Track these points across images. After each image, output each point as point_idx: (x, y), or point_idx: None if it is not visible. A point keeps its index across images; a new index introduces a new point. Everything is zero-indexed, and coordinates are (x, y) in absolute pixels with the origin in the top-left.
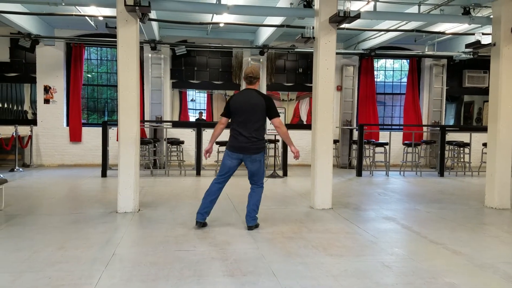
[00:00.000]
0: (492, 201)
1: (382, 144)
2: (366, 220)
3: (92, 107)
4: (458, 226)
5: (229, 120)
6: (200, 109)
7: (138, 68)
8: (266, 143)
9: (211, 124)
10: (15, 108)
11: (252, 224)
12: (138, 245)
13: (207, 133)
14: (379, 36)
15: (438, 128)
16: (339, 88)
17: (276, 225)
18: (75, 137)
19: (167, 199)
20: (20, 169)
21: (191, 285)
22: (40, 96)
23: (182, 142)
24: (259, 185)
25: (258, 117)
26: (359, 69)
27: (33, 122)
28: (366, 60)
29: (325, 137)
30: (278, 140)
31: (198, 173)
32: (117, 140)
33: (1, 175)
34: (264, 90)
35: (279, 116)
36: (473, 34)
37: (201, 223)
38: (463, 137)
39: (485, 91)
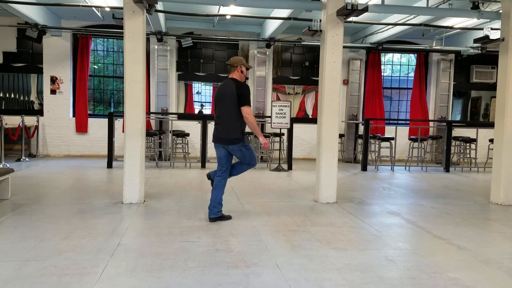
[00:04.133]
0: (498, 197)
1: (388, 139)
2: (371, 215)
3: (98, 98)
4: (463, 222)
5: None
6: (201, 102)
7: (144, 60)
8: (243, 135)
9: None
10: (21, 98)
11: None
12: (143, 235)
13: (211, 126)
14: (387, 30)
15: (445, 124)
16: (346, 82)
17: (281, 218)
18: (81, 128)
19: (172, 191)
20: (27, 159)
21: (195, 276)
22: (46, 86)
23: (188, 135)
24: (248, 165)
25: (230, 105)
26: (366, 63)
27: (40, 112)
28: (373, 54)
29: (330, 131)
30: (283, 134)
31: (203, 166)
32: (123, 132)
33: (8, 165)
34: (270, 84)
35: (247, 104)
36: (482, 29)
37: (214, 219)
38: (469, 132)
39: (492, 87)
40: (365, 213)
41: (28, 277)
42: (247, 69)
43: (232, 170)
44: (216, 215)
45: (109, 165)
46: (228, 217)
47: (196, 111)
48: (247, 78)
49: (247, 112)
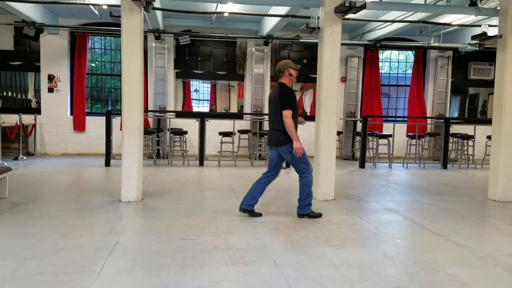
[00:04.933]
0: (495, 194)
1: (385, 136)
2: (369, 212)
3: (96, 96)
4: (461, 218)
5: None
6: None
7: (142, 58)
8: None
9: (215, 115)
10: (19, 96)
11: (299, 212)
12: (141, 233)
13: (210, 124)
14: (385, 27)
15: (442, 120)
16: (344, 79)
17: (279, 216)
18: (79, 126)
19: (170, 189)
20: (24, 158)
21: (194, 273)
22: (44, 85)
23: (186, 133)
24: (302, 175)
25: (273, 109)
26: (364, 60)
27: (37, 111)
28: (371, 51)
29: (328, 128)
30: None
31: (201, 164)
32: (121, 130)
33: (5, 163)
34: (267, 81)
35: (287, 108)
36: (480, 25)
37: (241, 208)
38: (467, 129)
39: (490, 84)
40: (363, 210)
41: (26, 275)
42: (296, 69)
43: (302, 187)
44: (247, 207)
45: (107, 163)
46: (259, 214)
47: (195, 109)
48: (243, 76)
49: (285, 115)
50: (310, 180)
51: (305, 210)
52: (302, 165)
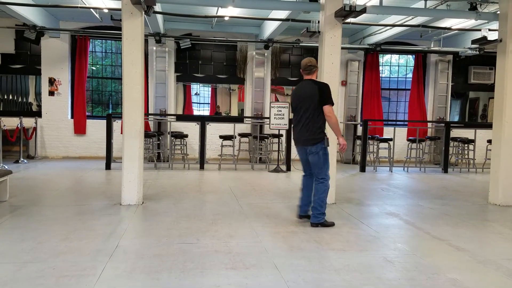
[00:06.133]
0: (496, 198)
1: (386, 140)
2: (369, 216)
3: (97, 99)
4: (461, 223)
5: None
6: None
7: (142, 61)
8: (324, 135)
9: (215, 118)
10: (20, 100)
11: (313, 221)
12: (142, 237)
13: (210, 127)
14: (385, 31)
15: (443, 124)
16: (344, 83)
17: (279, 219)
18: (80, 129)
19: (170, 192)
20: (25, 161)
21: (194, 277)
22: (45, 88)
23: (186, 136)
24: (320, 180)
25: (307, 106)
26: (364, 64)
27: (38, 114)
28: (371, 55)
29: (328, 132)
30: (281, 135)
31: (201, 167)
32: (122, 133)
33: (6, 167)
34: (268, 85)
35: (330, 104)
36: (480, 30)
37: (301, 216)
38: (467, 133)
39: (490, 88)
40: (364, 214)
41: (27, 279)
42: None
43: (314, 195)
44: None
45: (108, 167)
46: (331, 224)
47: (196, 113)
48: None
49: (329, 110)
50: (327, 187)
51: (319, 219)
52: (325, 170)
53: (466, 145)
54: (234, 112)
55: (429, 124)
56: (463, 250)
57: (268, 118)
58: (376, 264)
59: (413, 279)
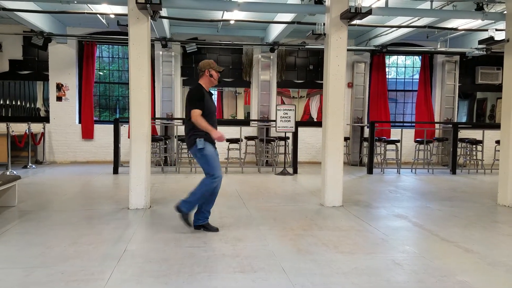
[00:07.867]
0: (505, 199)
1: (393, 142)
2: (377, 218)
3: (104, 104)
4: (470, 224)
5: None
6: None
7: (149, 66)
8: (196, 137)
9: (221, 122)
10: (28, 105)
11: (179, 206)
12: (150, 241)
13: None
14: (391, 32)
15: (451, 125)
16: (350, 85)
17: (287, 223)
18: (87, 134)
19: (178, 196)
20: (33, 166)
21: (202, 281)
22: (52, 93)
23: None
24: (207, 177)
25: (186, 110)
26: (371, 65)
27: (46, 119)
28: (378, 57)
29: (335, 134)
30: (288, 138)
31: None
32: (129, 137)
33: (14, 172)
34: (274, 88)
35: (193, 108)
36: (486, 30)
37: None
38: (475, 134)
39: (498, 88)
40: (372, 216)
41: (36, 283)
42: (218, 71)
43: (200, 186)
44: None
45: (115, 171)
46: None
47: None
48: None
49: (192, 115)
50: (213, 186)
51: (183, 207)
52: (211, 169)
53: (474, 146)
54: (240, 116)
55: (437, 125)
56: (472, 252)
57: (275, 121)
58: (385, 267)
59: (422, 282)
